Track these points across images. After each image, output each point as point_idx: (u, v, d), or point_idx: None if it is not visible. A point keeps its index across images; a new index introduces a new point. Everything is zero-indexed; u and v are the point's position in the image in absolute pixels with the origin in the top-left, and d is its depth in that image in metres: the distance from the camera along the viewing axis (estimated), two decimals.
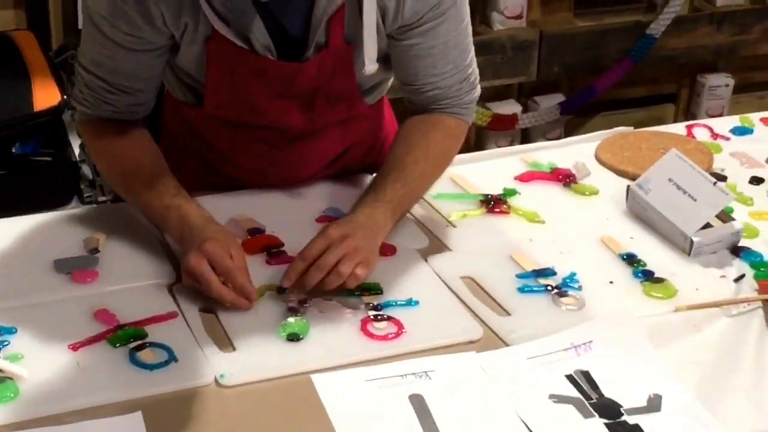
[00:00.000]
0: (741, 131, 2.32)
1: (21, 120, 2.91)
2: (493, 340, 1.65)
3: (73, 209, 2.41)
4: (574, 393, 1.53)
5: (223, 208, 1.92)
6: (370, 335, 1.63)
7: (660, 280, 1.79)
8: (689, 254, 1.85)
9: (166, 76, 1.93)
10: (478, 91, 1.96)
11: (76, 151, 3.05)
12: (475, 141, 3.82)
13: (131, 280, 1.74)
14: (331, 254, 1.69)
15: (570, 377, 1.56)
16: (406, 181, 1.84)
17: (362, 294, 1.72)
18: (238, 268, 1.67)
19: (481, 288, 1.76)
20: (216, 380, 1.53)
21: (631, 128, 2.31)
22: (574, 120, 3.93)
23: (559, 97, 3.85)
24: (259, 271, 1.76)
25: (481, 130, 3.75)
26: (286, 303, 1.68)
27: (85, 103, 1.85)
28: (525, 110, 3.82)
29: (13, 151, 2.93)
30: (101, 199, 3.02)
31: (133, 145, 1.85)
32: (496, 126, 3.72)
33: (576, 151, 2.20)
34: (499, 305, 1.72)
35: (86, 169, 3.05)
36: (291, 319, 1.65)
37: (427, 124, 1.92)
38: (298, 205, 1.98)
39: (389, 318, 1.67)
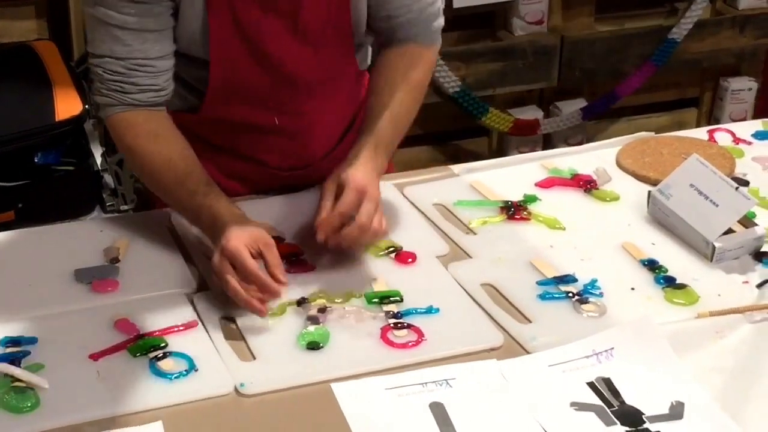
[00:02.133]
0: (763, 136, 2.30)
1: (43, 130, 2.92)
2: (513, 348, 1.64)
3: (95, 218, 2.42)
4: (595, 400, 1.52)
5: None
6: (391, 343, 1.63)
7: (682, 287, 1.77)
8: (711, 260, 1.84)
9: None
10: (442, 19, 2.01)
11: (98, 160, 3.06)
12: (497, 146, 3.81)
13: (151, 290, 1.75)
14: (366, 211, 1.73)
15: (591, 384, 1.55)
16: (396, 122, 1.90)
17: (382, 302, 1.71)
18: (256, 267, 1.65)
19: (502, 295, 1.76)
20: (236, 389, 1.53)
21: (652, 133, 2.30)
22: (596, 125, 3.92)
23: (581, 103, 3.84)
24: None
25: (503, 135, 3.74)
26: (306, 312, 1.68)
27: (107, 95, 1.83)
28: (546, 116, 3.81)
29: (36, 160, 2.95)
30: (123, 208, 3.02)
31: (161, 141, 1.84)
32: (518, 132, 3.71)
33: (597, 156, 2.20)
34: (520, 312, 1.72)
35: (108, 179, 3.06)
36: (311, 328, 1.65)
37: (404, 59, 1.97)
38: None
39: (409, 326, 1.66)
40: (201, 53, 1.87)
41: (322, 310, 1.68)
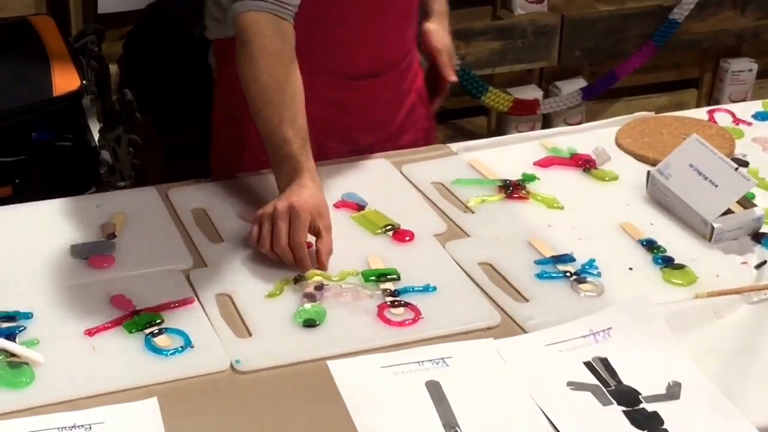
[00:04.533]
0: (763, 116, 2.30)
1: (40, 105, 2.90)
2: (511, 327, 1.64)
3: (92, 194, 2.41)
4: (592, 380, 1.52)
5: (239, 193, 1.92)
6: (387, 321, 1.62)
7: (680, 267, 1.77)
8: (710, 240, 1.84)
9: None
10: None
11: (96, 136, 3.04)
12: (496, 126, 3.80)
13: (148, 266, 1.74)
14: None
15: (588, 364, 1.55)
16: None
17: (379, 280, 1.71)
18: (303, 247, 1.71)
19: (499, 274, 1.75)
20: (232, 366, 1.53)
21: (651, 113, 2.29)
22: (595, 105, 3.90)
23: (581, 82, 3.82)
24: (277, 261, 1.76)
25: (502, 115, 3.73)
26: (302, 289, 1.68)
27: None
28: (546, 95, 3.79)
29: (33, 136, 2.93)
30: (120, 184, 3.01)
31: (288, 70, 1.84)
32: (518, 111, 3.70)
33: (596, 136, 2.19)
34: (518, 291, 1.71)
35: (105, 155, 3.05)
36: (307, 305, 1.64)
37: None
38: None
39: (406, 304, 1.66)
40: None
41: (319, 287, 1.68)
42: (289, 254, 1.71)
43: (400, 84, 2.18)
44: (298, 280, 1.70)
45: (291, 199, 1.73)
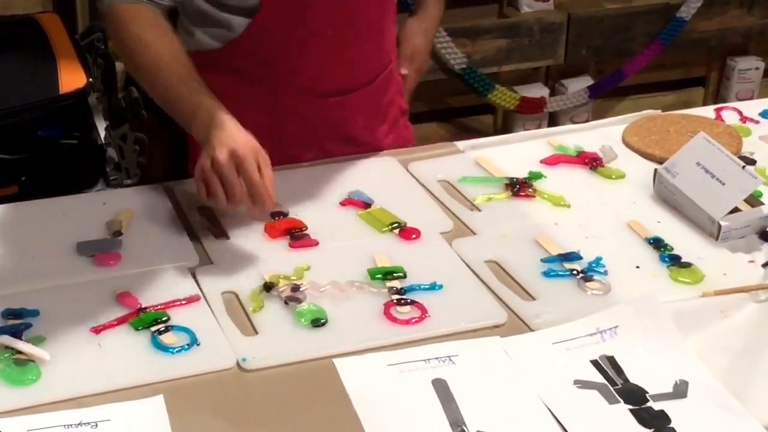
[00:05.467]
0: None
1: (47, 102, 2.91)
2: (517, 325, 1.63)
3: (98, 191, 2.41)
4: (599, 378, 1.52)
5: None
6: (393, 319, 1.62)
7: (687, 265, 1.77)
8: (717, 239, 1.83)
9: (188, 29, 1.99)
10: None
11: (102, 134, 3.05)
12: (503, 124, 3.80)
13: (154, 263, 1.74)
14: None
15: (595, 363, 1.55)
16: None
17: (386, 277, 1.70)
18: (265, 185, 1.70)
19: (506, 272, 1.75)
20: (238, 364, 1.53)
21: (658, 111, 2.29)
22: (602, 103, 3.90)
23: (587, 81, 3.82)
24: (283, 255, 1.75)
25: (509, 113, 3.73)
26: (280, 295, 1.66)
27: None
28: (552, 94, 3.79)
29: (39, 134, 2.93)
30: (126, 182, 3.01)
31: (167, 35, 1.86)
32: (524, 109, 3.70)
33: (603, 134, 2.19)
34: (524, 290, 1.71)
35: (111, 153, 3.05)
36: (304, 306, 1.63)
37: None
38: (322, 187, 1.97)
39: (413, 302, 1.65)
40: None
41: (295, 288, 1.67)
42: (246, 202, 1.71)
43: (379, 99, 2.13)
44: (269, 288, 1.67)
45: (228, 145, 1.70)
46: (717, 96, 4.08)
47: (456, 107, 3.76)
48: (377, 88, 2.11)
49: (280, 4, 1.92)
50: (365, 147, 2.11)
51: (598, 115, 3.80)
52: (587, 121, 3.67)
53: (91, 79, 2.96)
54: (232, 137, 1.71)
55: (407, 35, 2.26)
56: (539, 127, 3.73)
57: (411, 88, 2.28)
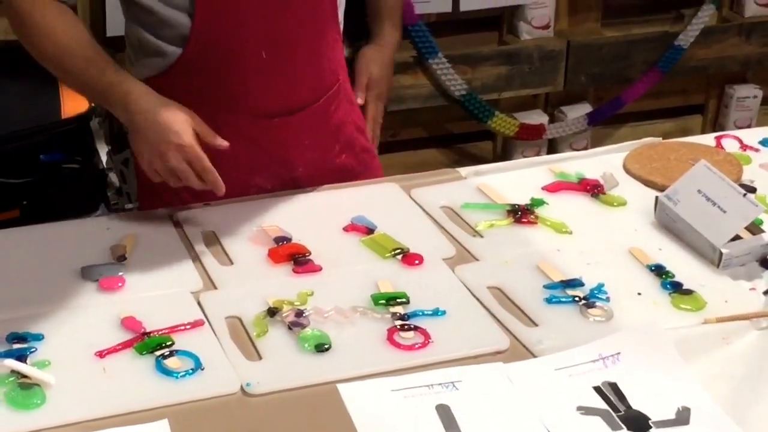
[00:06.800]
0: None
1: (49, 127, 2.92)
2: (520, 351, 1.64)
3: (101, 216, 2.42)
4: (601, 405, 1.52)
5: (249, 216, 1.93)
6: (397, 345, 1.63)
7: (689, 292, 1.77)
8: (718, 266, 1.84)
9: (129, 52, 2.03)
10: None
11: (104, 158, 3.06)
12: (502, 150, 3.81)
13: (158, 288, 1.75)
14: None
15: (598, 389, 1.55)
16: None
17: (389, 303, 1.71)
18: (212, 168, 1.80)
19: (509, 298, 1.76)
20: (242, 389, 1.53)
21: (659, 139, 2.30)
22: (601, 130, 3.91)
23: (586, 108, 3.83)
24: (286, 281, 1.76)
25: (508, 139, 3.74)
26: (284, 320, 1.66)
27: None
28: (552, 120, 3.80)
29: (41, 158, 2.94)
30: (128, 206, 3.02)
31: (70, 21, 1.89)
32: (523, 136, 3.71)
33: (604, 161, 2.19)
34: (527, 316, 1.71)
35: (113, 177, 3.06)
36: (307, 331, 1.64)
37: None
38: (325, 213, 1.98)
39: (416, 328, 1.66)
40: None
41: (299, 314, 1.67)
42: (202, 183, 1.82)
43: (327, 118, 2.10)
44: (273, 313, 1.68)
45: (168, 140, 1.79)
46: (715, 124, 4.09)
47: (456, 133, 3.76)
48: (323, 107, 2.08)
49: (209, 33, 1.92)
50: (315, 166, 2.09)
51: (597, 142, 3.81)
52: (586, 147, 3.68)
53: (93, 104, 2.96)
54: (166, 125, 1.79)
55: (362, 65, 2.28)
56: (538, 153, 3.74)
57: (375, 118, 2.28)
